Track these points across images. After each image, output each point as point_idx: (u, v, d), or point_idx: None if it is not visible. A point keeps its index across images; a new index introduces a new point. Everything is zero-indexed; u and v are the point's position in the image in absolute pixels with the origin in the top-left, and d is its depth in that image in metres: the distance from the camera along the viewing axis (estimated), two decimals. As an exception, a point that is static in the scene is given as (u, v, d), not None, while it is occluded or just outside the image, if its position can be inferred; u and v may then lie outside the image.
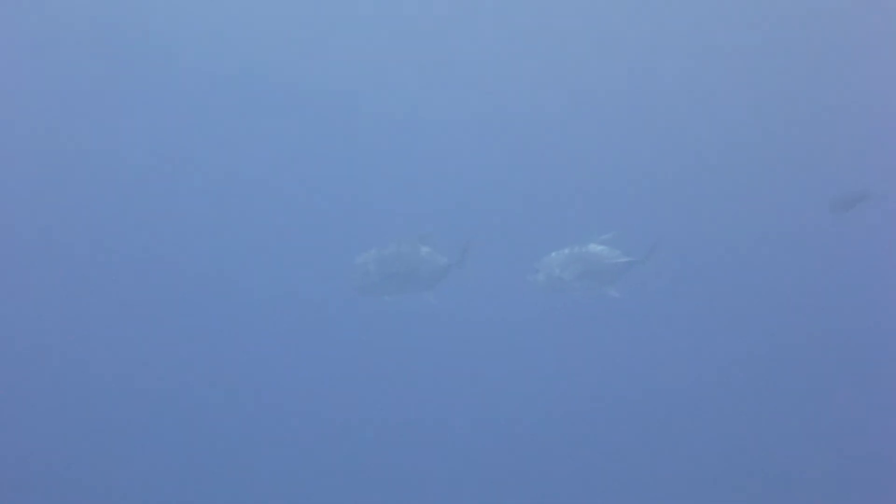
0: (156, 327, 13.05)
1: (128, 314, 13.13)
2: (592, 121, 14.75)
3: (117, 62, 15.01)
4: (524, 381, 12.62)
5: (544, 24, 15.54)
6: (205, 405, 12.48)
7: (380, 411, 12.39)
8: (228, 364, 12.86)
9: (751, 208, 13.93)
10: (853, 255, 13.71)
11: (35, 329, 12.87)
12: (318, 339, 13.15)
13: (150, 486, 11.73)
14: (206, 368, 12.76)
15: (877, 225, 13.45)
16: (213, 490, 11.76)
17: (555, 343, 12.71)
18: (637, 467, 11.99)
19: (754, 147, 14.60)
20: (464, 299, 10.69)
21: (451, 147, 14.79)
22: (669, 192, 14.10)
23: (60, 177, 14.22)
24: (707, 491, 11.66)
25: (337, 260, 12.56)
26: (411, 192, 14.14)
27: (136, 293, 13.33)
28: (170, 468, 11.90)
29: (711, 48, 15.27)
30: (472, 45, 15.48)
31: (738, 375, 12.72)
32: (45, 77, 14.83)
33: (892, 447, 11.98)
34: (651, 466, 12.02)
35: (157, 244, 13.77)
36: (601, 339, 12.73)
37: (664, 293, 11.80)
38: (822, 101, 14.96)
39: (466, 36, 15.56)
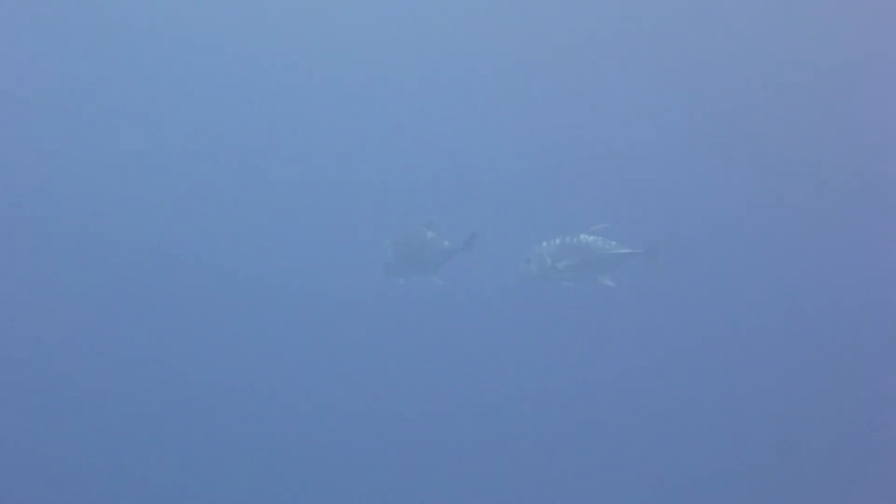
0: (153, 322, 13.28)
1: (134, 308, 13.40)
2: (590, 114, 14.71)
3: (120, 60, 15.25)
4: (519, 370, 12.69)
5: (540, 20, 15.50)
6: (209, 400, 12.69)
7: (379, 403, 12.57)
8: (232, 358, 13.08)
9: (747, 201, 13.79)
10: (850, 251, 13.48)
11: (37, 329, 12.99)
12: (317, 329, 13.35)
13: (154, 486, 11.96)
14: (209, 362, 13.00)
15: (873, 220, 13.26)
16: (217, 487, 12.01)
17: (548, 332, 12.73)
18: (631, 459, 11.97)
19: (750, 140, 14.42)
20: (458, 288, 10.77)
21: (451, 136, 14.88)
22: (664, 184, 14.01)
23: (62, 176, 14.42)
24: (699, 486, 11.60)
25: (341, 251, 12.89)
26: (413, 181, 14.28)
27: (143, 289, 13.59)
28: (174, 465, 12.08)
29: (705, 42, 15.10)
30: (467, 45, 15.55)
31: (733, 368, 12.62)
32: (45, 75, 15.05)
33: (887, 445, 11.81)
34: (645, 459, 11.98)
35: (156, 240, 14.00)
36: (594, 328, 12.71)
37: (659, 284, 11.69)
38: (819, 95, 14.71)
39: (462, 33, 15.63)
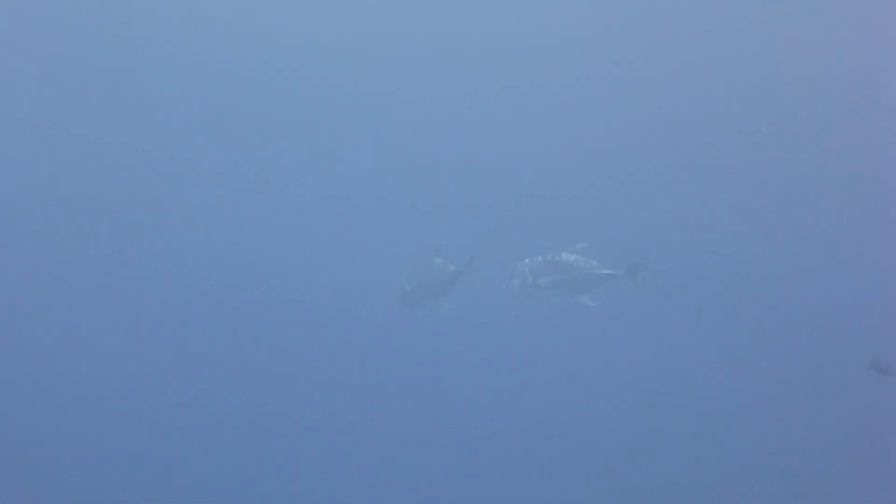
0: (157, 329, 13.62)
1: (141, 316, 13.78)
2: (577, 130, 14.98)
3: (122, 60, 15.61)
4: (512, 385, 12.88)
5: (524, 43, 15.84)
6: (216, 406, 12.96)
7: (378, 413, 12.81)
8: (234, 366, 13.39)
9: (731, 217, 13.93)
10: (845, 262, 13.55)
11: (39, 329, 13.20)
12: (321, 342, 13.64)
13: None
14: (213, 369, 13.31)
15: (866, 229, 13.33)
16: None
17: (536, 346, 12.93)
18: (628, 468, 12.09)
19: (733, 156, 14.55)
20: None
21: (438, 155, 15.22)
22: (645, 203, 14.19)
23: (63, 175, 14.66)
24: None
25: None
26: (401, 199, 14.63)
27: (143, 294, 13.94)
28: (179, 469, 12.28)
29: (690, 60, 15.30)
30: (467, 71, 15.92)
31: (721, 379, 12.73)
32: (46, 75, 15.27)
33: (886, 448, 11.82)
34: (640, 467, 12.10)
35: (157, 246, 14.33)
36: (580, 344, 12.90)
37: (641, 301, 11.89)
38: (801, 105, 14.81)
39: (447, 55, 16.00)
